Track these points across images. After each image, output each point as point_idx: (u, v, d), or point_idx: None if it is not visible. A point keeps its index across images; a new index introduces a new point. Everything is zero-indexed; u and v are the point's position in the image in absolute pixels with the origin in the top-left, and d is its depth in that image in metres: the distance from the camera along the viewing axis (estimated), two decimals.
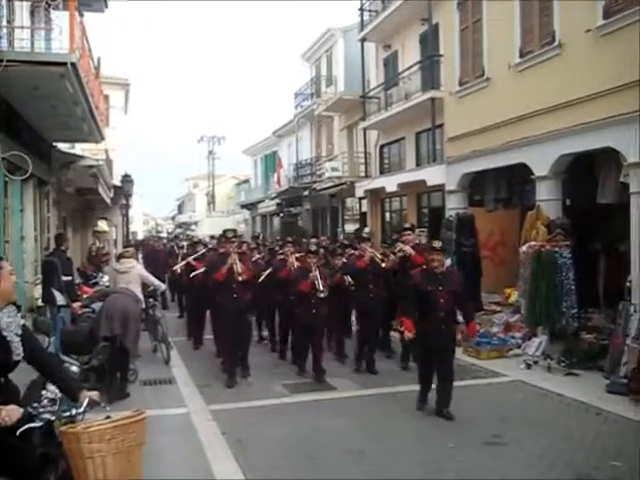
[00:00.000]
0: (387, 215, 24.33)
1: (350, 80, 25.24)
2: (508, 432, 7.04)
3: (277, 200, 35.45)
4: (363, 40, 23.13)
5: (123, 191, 21.57)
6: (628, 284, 9.82)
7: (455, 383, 7.74)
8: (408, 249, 10.52)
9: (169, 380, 9.82)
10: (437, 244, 7.91)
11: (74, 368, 7.83)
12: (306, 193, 30.12)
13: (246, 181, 47.57)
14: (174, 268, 14.46)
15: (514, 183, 13.68)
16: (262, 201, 39.71)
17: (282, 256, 11.75)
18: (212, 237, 19.25)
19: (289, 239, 12.70)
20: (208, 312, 12.13)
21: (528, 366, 10.01)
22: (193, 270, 12.62)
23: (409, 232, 11.11)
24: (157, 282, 10.96)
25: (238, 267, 9.27)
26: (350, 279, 10.73)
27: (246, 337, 9.85)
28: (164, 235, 48.08)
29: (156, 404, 8.38)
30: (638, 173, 9.64)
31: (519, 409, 7.80)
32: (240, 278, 9.24)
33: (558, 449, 6.57)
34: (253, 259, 12.30)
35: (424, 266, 8.07)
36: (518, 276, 11.15)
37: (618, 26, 9.93)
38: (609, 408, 7.93)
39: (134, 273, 10.39)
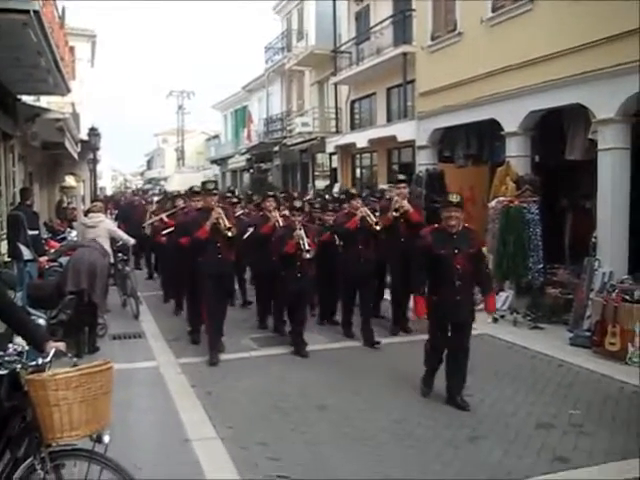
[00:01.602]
0: (358, 171, 24.31)
1: (321, 34, 24.90)
2: (475, 383, 7.16)
3: (247, 155, 35.21)
4: None
5: (90, 145, 21.16)
6: (593, 240, 9.98)
7: (425, 336, 7.73)
8: (406, 205, 9.33)
9: (138, 334, 9.82)
10: (454, 198, 6.54)
11: (41, 321, 7.78)
12: (276, 149, 29.94)
13: (216, 136, 47.06)
14: (143, 225, 13.65)
15: (484, 139, 13.69)
16: (232, 157, 39.39)
17: (262, 212, 10.50)
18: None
19: (270, 193, 11.06)
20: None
21: (495, 320, 10.15)
22: (167, 228, 11.51)
23: (404, 184, 9.79)
24: (126, 236, 10.86)
25: (225, 222, 8.15)
26: (338, 240, 9.79)
27: (226, 303, 8.90)
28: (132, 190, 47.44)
29: (125, 358, 8.40)
30: (606, 130, 9.71)
31: (485, 361, 7.94)
32: (230, 234, 8.14)
33: (521, 398, 6.77)
34: (236, 214, 11.06)
35: (435, 225, 6.78)
36: (487, 231, 11.24)
37: None
38: (571, 360, 8.13)
39: (102, 227, 10.30)
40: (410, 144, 17.06)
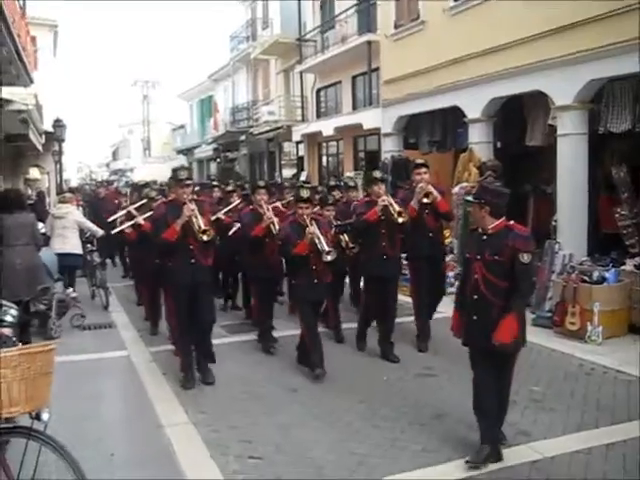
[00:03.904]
0: (324, 159, 24.44)
1: (286, 23, 24.91)
2: (439, 364, 7.41)
3: (214, 145, 35.11)
4: None
5: (55, 136, 20.93)
6: (554, 223, 10.27)
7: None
8: (435, 192, 7.86)
9: (109, 325, 9.86)
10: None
11: (13, 312, 7.77)
12: (243, 138, 29.92)
13: (182, 126, 46.77)
14: (109, 220, 11.50)
15: (448, 126, 13.93)
16: (198, 146, 39.26)
17: (251, 206, 8.59)
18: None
19: (260, 184, 8.81)
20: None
21: None
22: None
23: (425, 169, 8.10)
24: (94, 227, 10.85)
25: (199, 221, 6.65)
26: (346, 237, 8.34)
27: (206, 318, 7.03)
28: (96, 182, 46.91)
29: (97, 348, 8.51)
30: (564, 116, 9.97)
31: (450, 343, 8.08)
32: (205, 237, 6.65)
33: None
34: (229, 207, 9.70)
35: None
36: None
37: None
38: (534, 340, 8.30)
39: (70, 218, 10.30)
40: (376, 132, 17.24)
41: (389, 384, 6.89)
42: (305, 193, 7.24)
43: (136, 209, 9.87)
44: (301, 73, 23.65)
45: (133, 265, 11.47)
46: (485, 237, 4.96)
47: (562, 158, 10.05)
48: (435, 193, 7.83)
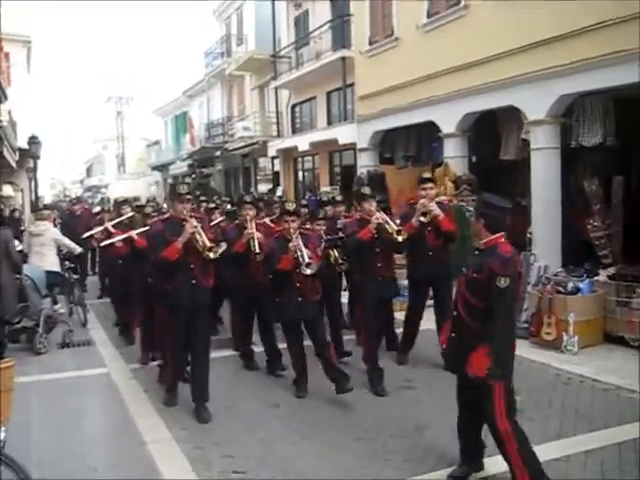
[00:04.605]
0: (300, 174, 24.57)
1: (261, 39, 25.08)
2: (419, 377, 7.48)
3: (189, 161, 35.08)
4: None
5: (30, 153, 20.79)
6: (529, 235, 10.43)
7: None
8: (436, 208, 7.46)
9: (87, 342, 9.76)
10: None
11: None
12: (218, 153, 29.95)
13: (156, 142, 46.67)
14: (83, 236, 11.38)
15: (423, 141, 14.10)
16: (173, 162, 39.17)
17: (237, 221, 8.22)
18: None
19: (246, 199, 8.25)
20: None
21: None
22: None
23: (431, 184, 7.74)
24: (72, 245, 10.79)
25: (204, 239, 6.21)
26: (335, 253, 7.85)
27: (203, 343, 6.57)
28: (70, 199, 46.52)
29: (76, 365, 8.44)
30: (537, 130, 10.17)
31: (429, 355, 8.19)
32: (212, 255, 6.18)
33: None
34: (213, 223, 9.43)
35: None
36: None
37: None
38: None
39: (48, 236, 10.24)
40: (351, 146, 17.39)
41: (369, 397, 6.93)
42: (291, 206, 6.94)
43: (113, 226, 9.66)
44: (276, 89, 23.80)
45: (116, 283, 10.44)
46: (477, 252, 4.70)
47: (536, 171, 10.25)
48: (436, 211, 7.41)
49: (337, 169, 21.30)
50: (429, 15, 12.76)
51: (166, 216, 6.93)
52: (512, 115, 11.03)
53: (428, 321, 9.32)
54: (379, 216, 7.05)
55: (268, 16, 23.60)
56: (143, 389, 7.41)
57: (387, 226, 7.00)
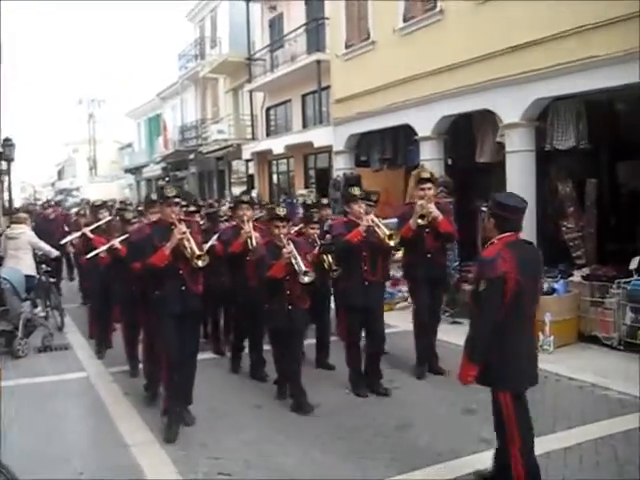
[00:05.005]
0: (274, 177, 24.60)
1: (235, 42, 25.09)
2: (401, 377, 7.57)
3: (162, 164, 34.94)
4: (248, 1, 23.02)
5: (5, 156, 20.48)
6: None
7: None
8: (435, 210, 7.22)
9: (65, 346, 9.68)
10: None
11: None
12: (192, 156, 29.89)
13: (129, 145, 46.38)
14: (62, 242, 11.26)
15: (399, 143, 14.21)
16: (147, 165, 38.98)
17: (232, 222, 8.24)
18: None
19: (243, 198, 8.14)
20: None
21: None
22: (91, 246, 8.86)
23: (429, 184, 7.41)
24: (47, 248, 10.69)
25: (192, 245, 5.93)
26: (330, 258, 7.26)
27: (193, 352, 6.40)
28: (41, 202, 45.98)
29: (54, 370, 8.37)
30: (512, 133, 10.33)
31: (408, 356, 8.29)
32: (200, 263, 5.92)
33: (441, 388, 7.17)
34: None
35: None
36: None
37: None
38: None
39: (23, 239, 10.17)
40: (326, 149, 17.46)
41: (351, 397, 7.00)
42: (281, 211, 6.64)
43: (91, 231, 9.23)
44: (251, 92, 23.79)
45: (96, 293, 9.71)
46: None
47: (511, 174, 10.40)
48: (435, 213, 7.17)
49: (312, 172, 21.36)
50: (405, 19, 12.87)
51: (154, 220, 6.57)
52: (487, 118, 11.18)
53: (403, 322, 9.42)
54: (370, 218, 6.83)
55: (242, 19, 23.59)
56: (123, 392, 7.40)
57: (378, 230, 6.81)
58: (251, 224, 7.52)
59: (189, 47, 30.96)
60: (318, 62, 18.00)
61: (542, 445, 5.43)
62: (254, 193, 23.45)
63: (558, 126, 10.02)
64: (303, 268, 6.24)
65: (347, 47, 15.22)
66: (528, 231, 10.14)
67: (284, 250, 6.29)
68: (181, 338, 6.06)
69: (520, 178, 10.25)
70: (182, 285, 6.04)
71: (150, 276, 6.12)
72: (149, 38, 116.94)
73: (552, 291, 8.95)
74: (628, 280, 8.48)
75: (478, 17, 10.83)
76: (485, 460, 5.19)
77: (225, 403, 6.94)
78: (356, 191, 7.21)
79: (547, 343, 8.42)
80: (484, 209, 4.71)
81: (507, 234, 4.45)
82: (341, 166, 15.77)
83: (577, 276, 9.38)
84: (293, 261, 6.26)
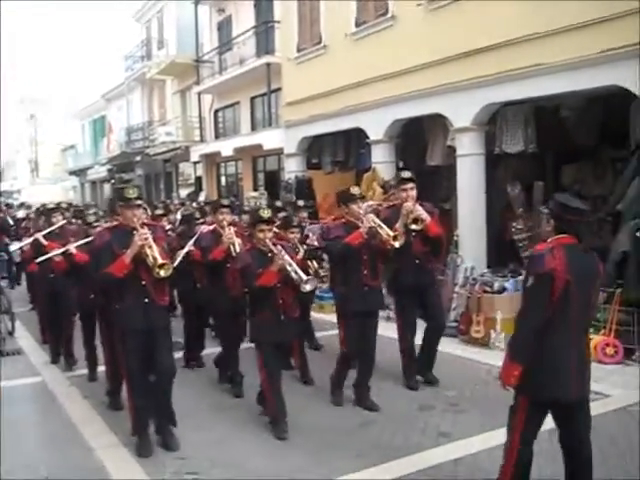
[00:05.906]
0: (223, 179, 24.57)
1: (183, 43, 24.95)
2: None
3: (108, 166, 34.41)
4: (196, 2, 22.94)
5: None
6: (455, 238, 10.85)
7: None
8: (423, 214, 6.76)
9: (17, 351, 9.54)
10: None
11: None
12: (138, 158, 29.53)
13: (72, 146, 45.48)
14: (12, 248, 10.90)
15: (351, 146, 14.41)
16: (92, 167, 38.30)
17: (211, 227, 7.78)
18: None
19: (224, 202, 7.87)
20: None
21: None
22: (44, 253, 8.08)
23: (412, 184, 7.00)
24: None
25: (154, 252, 5.35)
26: (315, 264, 7.18)
27: (166, 370, 5.66)
28: None
29: (6, 375, 8.16)
30: (463, 137, 10.61)
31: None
32: (162, 273, 5.35)
33: (401, 386, 7.34)
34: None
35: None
36: None
37: (446, 2, 10.76)
38: (442, 349, 8.77)
39: None
40: (276, 152, 17.55)
41: (318, 398, 7.06)
42: (266, 213, 6.04)
43: (44, 236, 8.39)
44: (199, 94, 23.68)
45: (46, 301, 9.07)
46: None
47: (461, 177, 10.69)
48: (424, 216, 6.72)
49: (261, 175, 21.40)
50: (357, 24, 13.06)
51: (114, 224, 5.98)
52: (438, 122, 11.45)
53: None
54: (370, 218, 6.44)
55: (190, 20, 23.46)
56: (83, 396, 7.34)
57: (381, 230, 6.40)
58: (232, 229, 7.19)
59: (136, 48, 30.60)
60: (268, 65, 18.06)
61: (500, 437, 5.52)
62: (202, 195, 23.38)
63: (507, 131, 10.36)
64: (304, 276, 5.75)
65: (299, 51, 15.33)
66: (478, 232, 10.53)
67: (277, 255, 5.78)
68: (149, 356, 5.55)
69: (470, 180, 10.54)
70: (145, 297, 5.51)
71: (109, 287, 5.65)
72: (94, 38, 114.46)
73: (503, 290, 9.24)
74: None
75: (430, 23, 11.09)
76: (446, 452, 5.40)
77: (190, 403, 6.88)
78: (355, 191, 6.76)
79: (499, 340, 8.68)
80: (545, 211, 4.44)
81: (564, 235, 4.14)
82: (293, 168, 15.87)
83: None
84: (289, 268, 5.76)
